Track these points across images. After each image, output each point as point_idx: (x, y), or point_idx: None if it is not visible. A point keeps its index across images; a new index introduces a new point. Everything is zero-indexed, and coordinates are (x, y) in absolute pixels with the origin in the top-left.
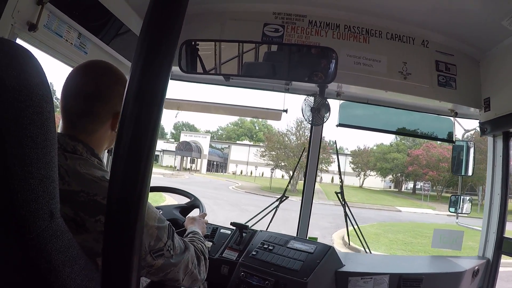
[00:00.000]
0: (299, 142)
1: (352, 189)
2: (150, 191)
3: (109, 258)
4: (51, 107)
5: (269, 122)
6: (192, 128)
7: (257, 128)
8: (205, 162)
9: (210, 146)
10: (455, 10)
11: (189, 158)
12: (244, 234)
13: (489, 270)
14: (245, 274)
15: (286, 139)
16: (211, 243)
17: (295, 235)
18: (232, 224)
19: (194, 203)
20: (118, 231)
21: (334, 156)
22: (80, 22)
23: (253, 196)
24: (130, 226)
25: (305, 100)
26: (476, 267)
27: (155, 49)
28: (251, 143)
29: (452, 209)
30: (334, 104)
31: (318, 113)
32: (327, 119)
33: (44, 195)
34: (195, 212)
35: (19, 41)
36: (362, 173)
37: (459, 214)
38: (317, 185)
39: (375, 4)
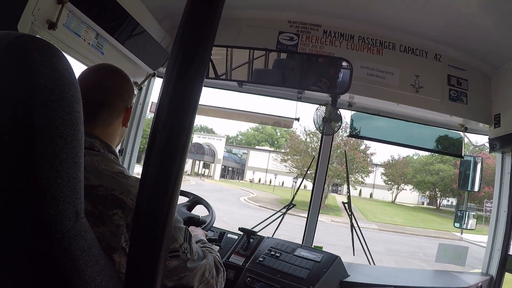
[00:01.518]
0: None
1: (385, 205)
2: None
3: (136, 261)
4: (81, 107)
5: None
6: (209, 132)
7: (278, 134)
8: (218, 167)
9: (227, 150)
10: (468, 26)
11: (201, 162)
12: (251, 240)
13: (493, 287)
14: (251, 280)
15: (316, 139)
16: (218, 247)
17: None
18: (240, 229)
19: (195, 200)
20: (146, 235)
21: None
22: (99, 23)
23: (270, 213)
24: (159, 230)
25: (317, 109)
26: (480, 284)
27: (191, 56)
28: (272, 149)
29: (457, 224)
30: (346, 115)
31: (330, 123)
32: (338, 129)
33: (71, 195)
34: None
35: None
36: (395, 186)
37: (464, 230)
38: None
39: (390, 17)
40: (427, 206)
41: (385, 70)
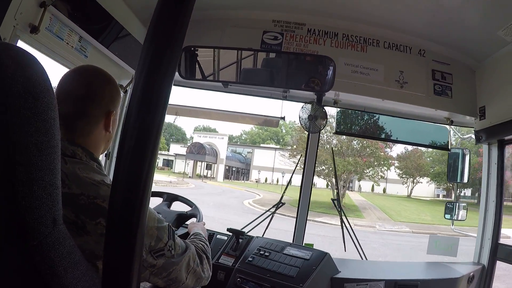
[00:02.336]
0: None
1: (402, 200)
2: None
3: (110, 262)
4: (56, 114)
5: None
6: (212, 131)
7: (283, 131)
8: (222, 167)
9: (232, 150)
10: (452, 20)
11: (203, 163)
12: (240, 240)
13: (485, 276)
14: (241, 280)
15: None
16: None
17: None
18: (228, 230)
19: (171, 197)
20: (120, 234)
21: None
22: (82, 26)
23: (281, 222)
24: (132, 230)
25: (302, 107)
26: (472, 273)
27: (159, 56)
28: (277, 146)
29: (448, 216)
30: (332, 112)
31: (315, 120)
32: (324, 126)
33: (47, 202)
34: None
35: (20, 43)
36: (411, 179)
37: (454, 221)
38: (367, 200)
39: (373, 14)
40: (444, 199)
41: (370, 67)
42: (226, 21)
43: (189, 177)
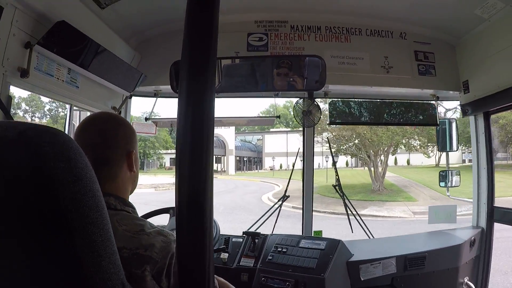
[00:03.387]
0: None
1: (435, 171)
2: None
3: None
4: (97, 184)
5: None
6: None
7: (291, 113)
8: (232, 159)
9: (241, 140)
10: (430, 2)
11: (213, 157)
12: (256, 240)
13: (485, 239)
14: (265, 279)
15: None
16: (227, 254)
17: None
18: (244, 233)
19: None
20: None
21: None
22: (69, 59)
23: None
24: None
25: (295, 104)
26: (473, 237)
27: (197, 73)
28: (288, 129)
29: (442, 183)
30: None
31: (310, 115)
32: (319, 119)
33: (114, 270)
34: None
35: (12, 88)
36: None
37: (449, 187)
38: (400, 175)
39: (353, 4)
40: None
41: (355, 56)
42: None
43: None
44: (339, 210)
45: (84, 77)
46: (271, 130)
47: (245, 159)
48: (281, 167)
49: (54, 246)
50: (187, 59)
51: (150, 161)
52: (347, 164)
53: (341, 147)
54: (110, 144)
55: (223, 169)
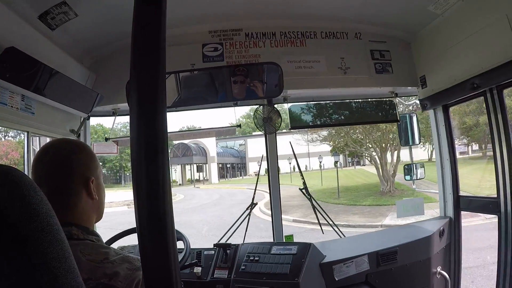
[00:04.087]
0: None
1: (430, 165)
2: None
3: None
4: (55, 217)
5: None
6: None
7: (295, 111)
8: (214, 167)
9: (221, 146)
10: (382, 1)
11: (193, 165)
12: (228, 251)
13: (453, 227)
14: None
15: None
16: (200, 268)
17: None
18: (215, 245)
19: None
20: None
21: None
22: (22, 85)
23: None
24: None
25: (255, 112)
26: (442, 228)
27: (148, 90)
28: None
29: (408, 177)
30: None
31: (270, 121)
32: (280, 125)
33: None
34: None
35: None
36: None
37: (415, 180)
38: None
39: (306, 7)
40: (475, 155)
41: (312, 60)
42: None
43: (179, 184)
44: (355, 220)
45: (39, 103)
46: (254, 134)
47: (228, 165)
48: (266, 172)
49: (17, 286)
50: (135, 76)
51: (127, 174)
52: (335, 164)
53: (338, 145)
54: (66, 173)
55: (205, 178)
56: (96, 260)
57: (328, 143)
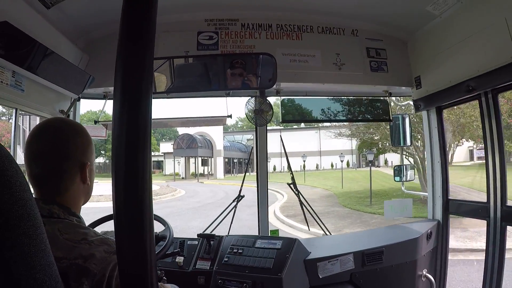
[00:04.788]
0: None
1: (460, 169)
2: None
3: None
4: (30, 192)
5: None
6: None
7: (287, 104)
8: (220, 161)
9: (228, 140)
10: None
11: (198, 158)
12: (212, 242)
13: (441, 231)
14: (222, 281)
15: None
16: (183, 257)
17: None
18: (199, 235)
19: (164, 234)
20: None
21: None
22: (13, 61)
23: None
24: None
25: (247, 103)
26: (429, 230)
27: (133, 73)
28: (281, 127)
29: (397, 178)
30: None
31: (261, 114)
32: (271, 118)
33: (51, 283)
34: None
35: None
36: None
37: (404, 182)
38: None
39: (304, 1)
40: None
41: (307, 54)
42: (157, 27)
43: (182, 178)
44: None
45: (29, 80)
46: (268, 120)
47: (235, 160)
48: (274, 169)
49: None
50: (122, 59)
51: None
52: (348, 164)
53: (366, 142)
54: (63, 155)
55: (210, 172)
56: (74, 240)
57: (354, 138)
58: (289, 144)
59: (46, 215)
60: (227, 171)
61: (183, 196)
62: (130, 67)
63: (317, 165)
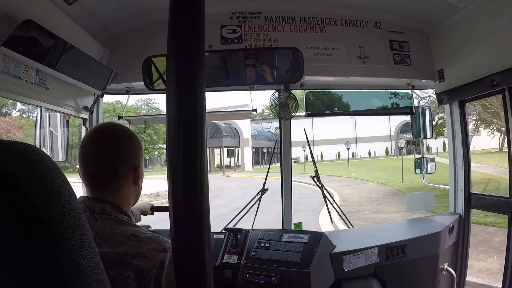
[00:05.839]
0: None
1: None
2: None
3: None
4: (77, 201)
5: None
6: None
7: (311, 97)
8: (248, 151)
9: (254, 129)
10: None
11: (223, 149)
12: (238, 236)
13: (463, 225)
14: (250, 275)
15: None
16: None
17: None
18: (225, 229)
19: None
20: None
21: None
22: (37, 59)
23: None
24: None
25: (271, 96)
26: (451, 224)
27: (187, 66)
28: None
29: (418, 171)
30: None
31: (286, 107)
32: (296, 112)
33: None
34: None
35: None
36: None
37: (425, 174)
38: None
39: None
40: None
41: (331, 47)
42: None
43: None
44: None
45: (53, 78)
46: (293, 115)
47: (264, 150)
48: (306, 158)
49: (39, 276)
50: (174, 53)
51: (147, 158)
52: (386, 152)
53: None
54: (118, 158)
55: (237, 164)
56: (123, 235)
57: None
58: (322, 131)
59: (99, 212)
60: (255, 161)
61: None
62: (184, 60)
63: (353, 153)
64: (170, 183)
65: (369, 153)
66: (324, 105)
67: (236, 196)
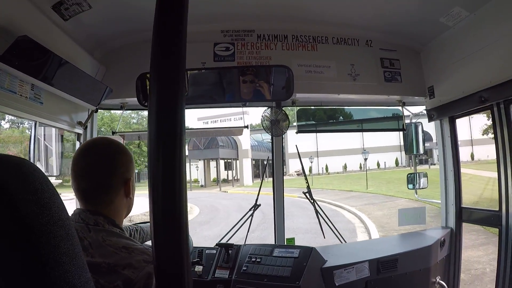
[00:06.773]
0: None
1: None
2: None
3: None
4: (66, 211)
5: None
6: None
7: (302, 114)
8: (247, 163)
9: (254, 139)
10: (395, 10)
11: (219, 161)
12: (230, 251)
13: (454, 238)
14: None
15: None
16: (202, 266)
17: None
18: (217, 245)
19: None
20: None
21: None
22: (32, 74)
23: None
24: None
25: (263, 113)
26: (442, 238)
27: (167, 84)
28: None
29: (411, 186)
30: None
31: (278, 124)
32: (287, 128)
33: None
34: None
35: None
36: None
37: (417, 189)
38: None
39: (319, 12)
40: None
41: (322, 65)
42: None
43: (201, 186)
44: None
45: (48, 93)
46: (294, 124)
47: (265, 162)
48: (310, 170)
49: (28, 282)
50: (156, 70)
51: (136, 171)
52: (396, 163)
53: None
54: (110, 171)
55: (235, 178)
56: (115, 246)
57: None
58: (326, 142)
59: (93, 224)
60: (255, 175)
61: (194, 219)
62: (165, 77)
63: (360, 164)
64: (151, 196)
65: (378, 164)
66: (316, 122)
67: (233, 220)
